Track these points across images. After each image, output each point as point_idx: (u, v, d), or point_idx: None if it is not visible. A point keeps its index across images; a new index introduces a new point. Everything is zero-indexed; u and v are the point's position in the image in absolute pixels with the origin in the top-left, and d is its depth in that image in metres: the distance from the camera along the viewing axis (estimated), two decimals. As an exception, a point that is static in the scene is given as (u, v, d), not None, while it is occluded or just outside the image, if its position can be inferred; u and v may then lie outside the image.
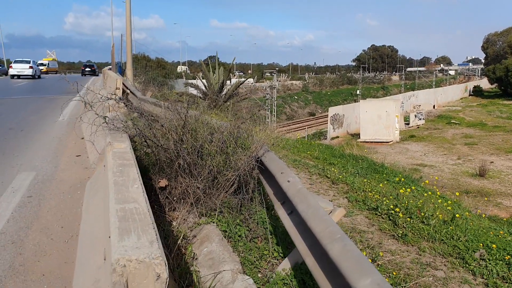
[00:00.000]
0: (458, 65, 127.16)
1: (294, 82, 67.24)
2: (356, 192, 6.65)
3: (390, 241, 4.85)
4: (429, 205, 6.12)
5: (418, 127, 32.55)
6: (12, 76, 33.08)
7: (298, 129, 32.41)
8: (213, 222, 4.37)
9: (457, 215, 5.71)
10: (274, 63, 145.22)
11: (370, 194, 6.42)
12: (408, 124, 33.06)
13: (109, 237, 2.12)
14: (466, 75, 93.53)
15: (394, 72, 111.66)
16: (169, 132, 4.75)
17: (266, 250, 4.00)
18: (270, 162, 4.40)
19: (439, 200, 6.59)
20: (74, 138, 8.76)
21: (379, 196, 6.32)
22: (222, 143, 4.79)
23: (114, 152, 4.06)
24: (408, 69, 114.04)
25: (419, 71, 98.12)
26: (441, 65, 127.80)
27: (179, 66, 78.27)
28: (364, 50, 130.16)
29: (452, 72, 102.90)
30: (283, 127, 27.15)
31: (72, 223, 4.51)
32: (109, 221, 2.33)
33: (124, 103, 7.07)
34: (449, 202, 7.40)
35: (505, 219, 10.15)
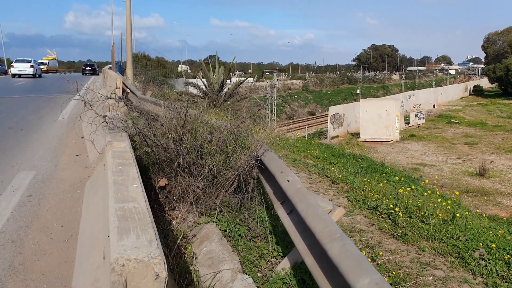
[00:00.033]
0: (459, 64, 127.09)
1: (294, 81, 67.21)
2: (356, 192, 6.65)
3: (389, 240, 4.85)
4: (429, 205, 6.11)
5: (418, 127, 32.55)
6: (14, 75, 33.46)
7: (298, 128, 32.40)
8: (213, 222, 4.37)
9: (457, 215, 5.71)
10: (275, 62, 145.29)
11: (370, 193, 6.42)
12: (408, 123, 33.05)
13: (108, 236, 2.13)
14: (466, 75, 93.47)
15: (394, 72, 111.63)
16: (168, 132, 4.75)
17: (266, 249, 4.00)
18: (269, 162, 4.40)
19: (439, 200, 6.59)
20: (74, 137, 8.76)
21: (379, 195, 6.32)
22: (222, 142, 4.79)
23: (114, 151, 4.06)
24: (408, 68, 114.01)
25: (419, 70, 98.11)
26: (442, 64, 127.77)
27: (180, 65, 78.27)
28: (364, 50, 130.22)
29: (452, 72, 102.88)
30: (283, 126, 27.11)
31: (72, 222, 4.51)
32: (108, 220, 2.33)
33: (124, 102, 7.07)
34: (449, 201, 7.40)
35: (505, 218, 10.16)
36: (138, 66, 32.48)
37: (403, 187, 7.34)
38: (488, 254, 4.50)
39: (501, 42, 62.89)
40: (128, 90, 13.35)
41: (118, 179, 3.05)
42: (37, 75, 34.57)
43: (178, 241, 3.97)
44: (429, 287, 3.86)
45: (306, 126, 34.06)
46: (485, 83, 67.29)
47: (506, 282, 4.05)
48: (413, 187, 7.87)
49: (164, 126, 4.89)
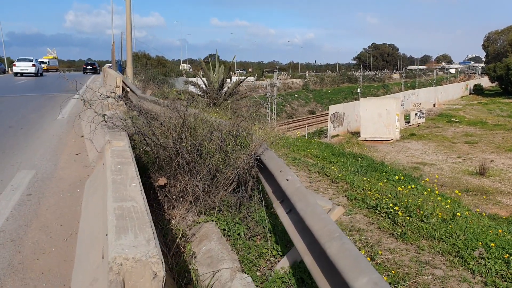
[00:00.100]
0: (460, 63, 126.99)
1: (294, 80, 67.15)
2: (355, 191, 6.65)
3: (389, 239, 4.85)
4: (429, 204, 6.11)
5: (418, 126, 32.53)
6: (16, 74, 33.96)
7: (299, 127, 32.38)
8: (212, 221, 4.37)
9: (457, 214, 5.71)
10: (275, 61, 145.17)
11: (369, 192, 6.42)
12: (408, 122, 33.04)
13: (106, 235, 2.13)
14: (467, 74, 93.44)
15: (394, 71, 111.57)
16: (168, 130, 4.75)
17: (265, 248, 4.00)
18: (269, 161, 4.40)
19: (438, 198, 6.59)
20: (74, 136, 8.76)
21: (379, 194, 6.32)
22: (221, 141, 4.79)
23: (113, 150, 4.06)
24: (409, 67, 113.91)
25: (420, 69, 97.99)
26: (443, 63, 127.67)
27: (181, 64, 78.35)
28: (364, 49, 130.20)
29: (452, 71, 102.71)
30: (283, 125, 27.11)
31: (72, 221, 4.51)
32: (106, 219, 2.33)
33: (124, 101, 7.07)
34: (449, 201, 7.40)
35: (504, 217, 10.16)
36: (138, 65, 32.48)
37: (403, 186, 7.34)
38: (487, 253, 4.50)
39: (501, 41, 62.87)
40: (128, 89, 13.35)
41: (117, 178, 3.05)
42: (39, 74, 35.12)
43: (177, 240, 3.97)
44: (429, 286, 3.86)
45: (306, 125, 34.04)
46: (485, 82, 67.23)
47: (505, 281, 4.05)
48: (412, 186, 7.87)
49: (163, 125, 4.89)
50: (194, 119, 5.01)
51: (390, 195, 6.35)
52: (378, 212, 5.65)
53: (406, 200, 5.93)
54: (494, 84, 63.27)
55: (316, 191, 6.45)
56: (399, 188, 6.84)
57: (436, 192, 7.38)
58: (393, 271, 3.99)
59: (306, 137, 23.19)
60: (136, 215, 2.34)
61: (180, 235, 4.10)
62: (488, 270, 4.19)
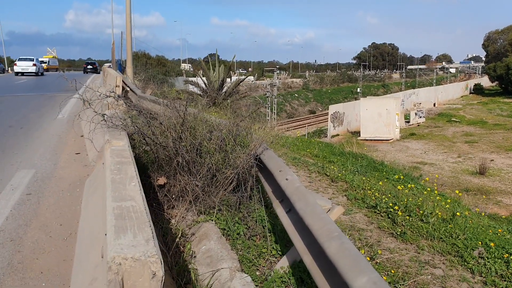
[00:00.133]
0: (460, 63, 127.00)
1: (294, 80, 67.14)
2: (355, 190, 6.65)
3: (389, 239, 4.85)
4: (429, 203, 6.11)
5: (418, 125, 32.53)
6: (16, 73, 34.40)
7: (299, 127, 32.37)
8: (212, 220, 4.37)
9: (457, 213, 5.70)
10: (275, 61, 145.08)
11: (369, 192, 6.42)
12: (408, 122, 33.03)
13: (105, 234, 2.13)
14: (467, 73, 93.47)
15: (394, 70, 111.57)
16: (167, 130, 4.75)
17: (265, 248, 4.00)
18: (268, 160, 4.39)
19: (438, 198, 6.58)
20: (74, 135, 8.76)
21: (378, 194, 6.31)
22: (221, 141, 4.79)
23: (112, 149, 4.06)
24: (409, 67, 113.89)
25: (420, 69, 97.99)
26: (443, 63, 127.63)
27: (182, 64, 78.41)
28: (364, 48, 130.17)
29: (452, 70, 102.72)
30: (283, 125, 27.10)
31: (71, 221, 4.51)
32: (105, 219, 2.33)
33: (124, 101, 7.07)
34: (449, 200, 7.40)
35: (504, 217, 10.15)
36: (138, 64, 32.48)
37: (403, 186, 7.34)
38: (487, 252, 4.50)
39: (501, 40, 62.80)
40: (128, 89, 13.35)
41: (116, 178, 3.05)
42: (40, 73, 35.52)
43: (177, 240, 3.97)
44: (428, 286, 3.86)
45: (306, 125, 34.03)
46: (485, 81, 67.23)
47: (505, 280, 4.05)
48: (412, 185, 7.87)
49: (163, 124, 4.89)
50: (193, 119, 5.01)
51: (390, 195, 6.35)
52: (377, 212, 5.65)
53: (405, 200, 5.93)
54: (494, 84, 63.27)
55: (316, 190, 6.45)
56: (398, 187, 6.84)
57: (436, 192, 7.38)
58: (392, 271, 3.99)
59: (306, 137, 23.18)
60: (135, 214, 2.34)
61: (179, 235, 4.10)
62: (488, 270, 4.19)
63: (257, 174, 4.73)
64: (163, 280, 1.87)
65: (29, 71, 34.17)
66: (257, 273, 3.65)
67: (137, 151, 5.38)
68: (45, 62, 49.95)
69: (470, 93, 60.99)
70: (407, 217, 5.30)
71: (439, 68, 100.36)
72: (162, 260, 1.90)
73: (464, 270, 4.22)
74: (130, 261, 1.85)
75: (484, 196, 13.83)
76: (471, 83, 65.33)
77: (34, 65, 34.64)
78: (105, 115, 5.37)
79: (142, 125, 5.14)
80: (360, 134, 27.17)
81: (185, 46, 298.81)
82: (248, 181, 4.68)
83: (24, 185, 5.61)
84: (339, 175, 7.46)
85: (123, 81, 13.23)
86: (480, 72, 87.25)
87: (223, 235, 4.13)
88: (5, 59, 56.48)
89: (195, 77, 29.82)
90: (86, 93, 5.95)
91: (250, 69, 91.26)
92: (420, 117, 33.81)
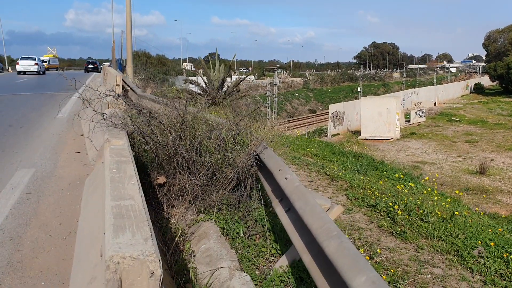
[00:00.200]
0: (461, 62, 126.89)
1: (295, 79, 67.07)
2: (355, 189, 6.64)
3: (388, 238, 4.85)
4: (428, 203, 6.11)
5: (418, 125, 32.52)
6: (19, 72, 35.17)
7: (299, 126, 32.37)
8: (211, 219, 4.37)
9: (456, 213, 5.70)
10: (275, 60, 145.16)
11: (369, 191, 6.42)
12: (408, 121, 33.03)
13: (104, 233, 2.12)
14: (467, 73, 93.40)
15: (395, 69, 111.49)
16: (167, 129, 4.75)
17: (264, 247, 4.00)
18: (268, 159, 4.39)
19: (436, 198, 6.58)
20: (74, 135, 8.76)
21: (378, 193, 6.31)
22: (221, 140, 4.79)
23: (112, 148, 4.06)
24: (409, 66, 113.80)
25: (420, 68, 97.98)
26: (444, 62, 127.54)
27: (184, 63, 78.49)
28: (365, 47, 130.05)
29: (453, 69, 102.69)
30: (283, 124, 27.10)
31: (71, 220, 4.51)
32: (105, 218, 2.33)
33: (123, 100, 7.06)
34: (449, 200, 7.40)
35: (504, 216, 10.15)
36: (139, 63, 32.49)
37: (403, 185, 7.34)
38: (486, 252, 4.49)
39: (502, 40, 62.69)
40: (128, 88, 13.35)
41: (115, 177, 3.05)
42: (41, 72, 36.21)
43: (176, 239, 3.97)
44: (428, 285, 3.86)
45: (307, 124, 34.03)
46: (486, 81, 67.19)
47: (504, 280, 4.04)
48: (412, 184, 7.87)
49: (162, 123, 4.89)
50: (193, 118, 5.01)
51: (389, 194, 6.35)
52: (377, 211, 5.65)
53: (405, 199, 5.93)
54: (494, 83, 63.23)
55: (316, 190, 6.45)
56: (398, 187, 6.83)
57: (436, 191, 7.37)
58: (392, 270, 3.98)
59: (307, 136, 23.17)
60: (134, 213, 2.34)
61: (179, 234, 4.10)
62: (488, 269, 4.18)
63: (257, 173, 4.73)
64: (161, 279, 1.87)
65: (31, 70, 34.94)
66: (257, 272, 3.65)
67: (137, 150, 5.38)
68: (46, 61, 50.14)
69: (471, 92, 60.96)
70: (407, 217, 5.30)
71: (439, 68, 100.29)
72: (160, 259, 1.90)
73: (464, 270, 4.21)
74: (128, 260, 1.85)
75: (484, 196, 13.83)
76: (472, 82, 65.30)
77: (36, 64, 35.42)
78: (104, 114, 5.36)
79: (141, 124, 5.14)
80: (360, 134, 27.16)
81: (185, 45, 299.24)
82: (248, 180, 4.68)
83: (24, 184, 5.61)
84: (339, 174, 7.46)
85: (123, 80, 13.23)
86: (480, 72, 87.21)
87: (223, 234, 4.13)
88: (5, 58, 56.64)
89: (195, 76, 29.82)
90: (86, 92, 5.94)
91: (250, 68, 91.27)
92: (421, 117, 33.80)
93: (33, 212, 4.70)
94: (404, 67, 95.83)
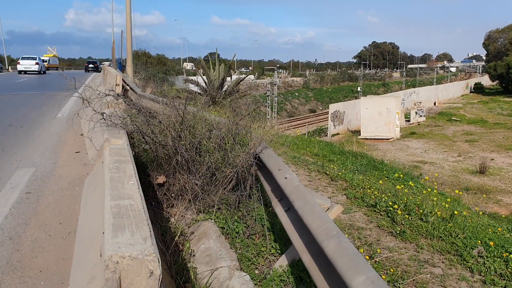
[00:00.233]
0: (461, 61, 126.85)
1: (295, 78, 67.06)
2: (355, 189, 6.64)
3: (388, 238, 4.84)
4: (428, 202, 6.11)
5: (418, 124, 32.52)
6: (20, 72, 35.61)
7: (299, 126, 32.38)
8: (211, 219, 4.37)
9: (456, 212, 5.70)
10: (275, 59, 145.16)
11: (369, 191, 6.42)
12: (408, 121, 33.03)
13: (103, 233, 2.12)
14: (467, 72, 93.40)
15: (395, 69, 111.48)
16: (167, 129, 4.75)
17: (264, 246, 4.00)
18: (268, 159, 4.39)
19: (435, 198, 6.58)
20: (73, 134, 8.76)
21: (378, 193, 6.31)
22: (221, 139, 4.78)
23: (111, 148, 4.06)
24: (409, 66, 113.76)
25: (420, 68, 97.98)
26: (444, 62, 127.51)
27: (185, 63, 78.61)
28: (365, 47, 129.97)
29: (453, 69, 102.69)
30: (283, 124, 27.11)
31: (70, 220, 4.51)
32: (103, 217, 2.33)
33: (123, 99, 7.06)
34: (448, 199, 7.39)
35: (504, 216, 10.15)
36: (139, 63, 32.48)
37: (402, 185, 7.34)
38: (486, 251, 4.49)
39: (502, 39, 62.70)
40: (128, 87, 13.34)
41: (115, 176, 3.04)
42: (42, 72, 36.64)
43: (176, 239, 3.97)
44: (427, 285, 3.85)
45: (307, 124, 34.04)
46: (486, 80, 67.19)
47: (504, 279, 4.04)
48: (411, 184, 7.87)
49: (162, 123, 4.89)
50: (193, 117, 5.01)
51: (389, 194, 6.35)
52: (377, 211, 5.65)
53: (405, 199, 5.92)
54: (494, 83, 63.23)
55: (316, 189, 6.45)
56: (398, 186, 6.83)
57: (436, 191, 7.37)
58: (391, 270, 3.98)
59: (306, 136, 23.17)
60: (133, 213, 2.34)
61: (179, 233, 4.10)
62: (487, 269, 4.18)
63: (257, 172, 4.73)
64: (160, 279, 1.87)
65: (32, 69, 35.39)
66: (256, 271, 3.65)
67: (137, 150, 5.38)
68: (46, 61, 50.27)
69: (471, 92, 60.97)
70: (407, 216, 5.30)
71: (439, 67, 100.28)
72: (159, 259, 1.90)
73: (464, 269, 4.21)
74: (127, 259, 1.85)
75: (484, 195, 13.83)
76: (472, 82, 65.32)
77: (37, 63, 35.89)
78: (104, 114, 5.36)
79: (141, 124, 5.13)
80: (360, 133, 27.17)
81: (185, 45, 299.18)
82: (248, 179, 4.68)
83: (24, 183, 5.61)
84: (339, 174, 7.45)
85: (123, 79, 13.22)
86: (480, 71, 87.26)
87: (222, 233, 4.12)
88: (5, 58, 56.76)
89: (195, 76, 29.81)
90: (86, 91, 5.94)
91: (250, 68, 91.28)
92: (421, 116, 33.80)
93: (32, 211, 4.70)
94: (404, 67, 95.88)
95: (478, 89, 62.01)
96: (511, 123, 31.59)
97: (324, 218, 2.84)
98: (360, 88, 58.52)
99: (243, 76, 23.25)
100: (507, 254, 4.42)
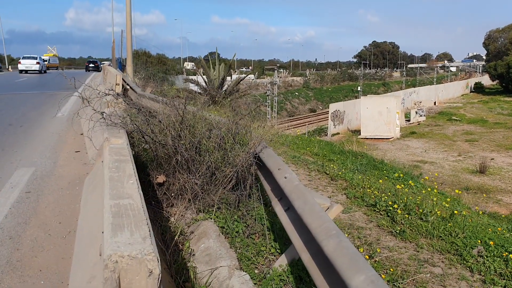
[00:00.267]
0: (461, 61, 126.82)
1: (295, 78, 67.07)
2: (354, 189, 6.64)
3: (388, 237, 4.84)
4: (428, 202, 6.10)
5: (419, 124, 32.51)
6: (21, 71, 36.08)
7: (299, 125, 32.38)
8: (211, 218, 4.37)
9: (455, 212, 5.70)
10: (275, 59, 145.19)
11: (368, 190, 6.42)
12: (409, 120, 33.03)
13: (102, 232, 2.12)
14: (468, 72, 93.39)
15: (395, 69, 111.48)
16: (167, 128, 4.75)
17: (263, 246, 4.00)
18: (267, 158, 4.39)
19: (435, 197, 6.58)
20: (73, 134, 8.76)
21: (378, 192, 6.31)
22: (220, 139, 4.78)
23: (111, 147, 4.06)
24: (409, 65, 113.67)
25: (420, 67, 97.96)
26: (445, 61, 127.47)
27: (185, 63, 78.66)
28: (365, 47, 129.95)
29: (453, 69, 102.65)
30: (283, 123, 27.13)
31: (70, 219, 4.51)
32: (103, 216, 2.33)
33: (123, 99, 7.06)
34: (448, 199, 7.39)
35: (504, 215, 10.15)
36: (139, 62, 32.50)
37: (402, 184, 7.33)
38: (486, 251, 4.49)
39: (502, 39, 62.66)
40: (128, 87, 13.34)
41: (114, 176, 3.04)
42: (42, 71, 37.07)
43: (175, 238, 3.97)
44: (427, 284, 3.85)
45: (307, 123, 34.04)
46: (486, 80, 67.21)
47: (504, 279, 4.04)
48: (411, 183, 7.87)
49: (162, 122, 4.89)
50: (193, 117, 5.01)
51: (389, 193, 6.35)
52: (377, 210, 5.65)
53: (405, 198, 5.92)
54: (494, 82, 63.24)
55: (315, 189, 6.45)
56: (398, 186, 6.83)
57: (435, 190, 7.37)
58: (391, 269, 3.98)
59: (306, 135, 23.17)
60: (132, 212, 2.34)
61: (178, 233, 4.10)
62: (487, 268, 4.18)
63: (256, 172, 4.73)
64: (160, 278, 1.87)
65: (32, 69, 35.83)
66: (256, 271, 3.65)
67: (136, 149, 5.37)
68: (46, 60, 50.37)
69: (471, 91, 60.96)
70: (407, 216, 5.30)
71: (439, 67, 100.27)
72: (159, 258, 1.90)
73: (463, 269, 4.21)
74: (126, 259, 1.84)
75: (484, 195, 13.83)
76: (472, 81, 65.32)
77: (38, 63, 36.34)
78: (104, 113, 5.36)
79: (141, 123, 5.13)
80: (360, 133, 27.17)
81: (185, 44, 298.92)
82: (247, 179, 4.68)
83: (24, 183, 5.60)
84: (339, 173, 7.45)
85: (123, 79, 13.22)
86: (480, 71, 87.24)
87: (222, 233, 4.13)
88: (6, 58, 56.87)
89: (195, 75, 29.81)
90: (86, 91, 5.94)
91: (250, 67, 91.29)
92: (421, 116, 33.80)
93: (32, 211, 4.70)
94: (404, 66, 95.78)
95: (478, 88, 62.01)
96: (511, 122, 31.58)
97: (323, 217, 2.84)
98: (360, 88, 58.52)
99: (243, 75, 23.26)
100: (507, 253, 4.42)
